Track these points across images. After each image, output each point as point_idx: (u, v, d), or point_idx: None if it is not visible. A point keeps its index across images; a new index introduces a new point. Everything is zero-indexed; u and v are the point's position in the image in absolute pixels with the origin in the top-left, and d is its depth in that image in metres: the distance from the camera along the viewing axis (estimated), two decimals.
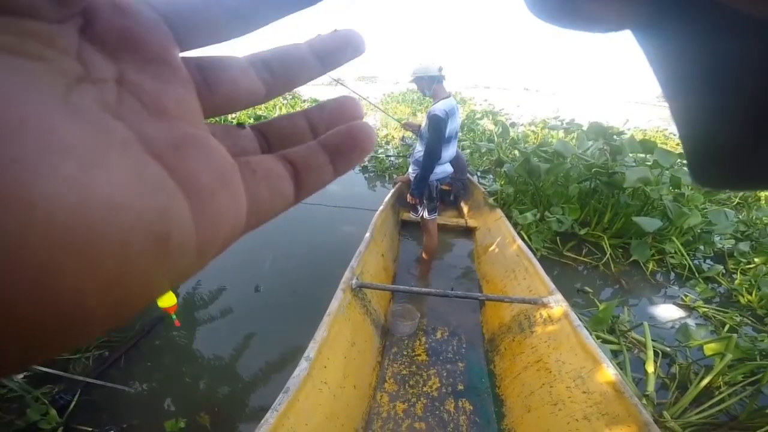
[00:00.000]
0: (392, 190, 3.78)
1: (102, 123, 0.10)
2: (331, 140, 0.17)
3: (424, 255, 2.97)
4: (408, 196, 2.73)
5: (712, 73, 0.10)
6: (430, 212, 2.69)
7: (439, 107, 2.30)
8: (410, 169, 2.73)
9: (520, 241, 2.60)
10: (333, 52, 0.18)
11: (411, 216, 3.01)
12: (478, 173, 6.12)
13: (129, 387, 2.06)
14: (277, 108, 12.62)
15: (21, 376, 1.90)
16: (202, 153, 0.13)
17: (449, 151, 2.51)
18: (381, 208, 3.26)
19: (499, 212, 3.44)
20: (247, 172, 0.15)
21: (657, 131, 11.32)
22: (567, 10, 0.10)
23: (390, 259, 2.98)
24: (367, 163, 6.82)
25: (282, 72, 0.17)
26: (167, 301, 2.56)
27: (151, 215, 0.10)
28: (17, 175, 0.07)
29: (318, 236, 4.12)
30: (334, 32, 0.18)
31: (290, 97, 17.27)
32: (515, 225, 3.39)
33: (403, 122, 2.98)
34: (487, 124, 8.79)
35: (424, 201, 2.63)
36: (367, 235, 2.64)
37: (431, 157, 2.38)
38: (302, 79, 0.18)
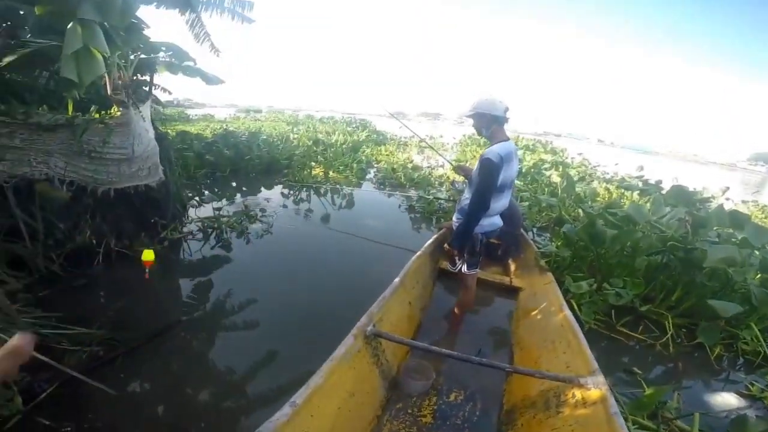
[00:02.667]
0: (434, 236, 3.82)
1: None
2: None
3: (456, 309, 2.87)
4: (445, 245, 2.72)
5: None
6: (469, 267, 2.54)
7: (495, 150, 2.18)
8: (454, 217, 2.64)
9: (567, 311, 2.48)
10: None
11: (448, 267, 2.96)
12: (534, 229, 5.92)
13: (113, 389, 2.11)
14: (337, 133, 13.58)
15: None
16: None
17: (501, 202, 2.36)
18: (419, 253, 3.33)
19: (549, 276, 3.31)
20: None
21: (754, 204, 9.92)
22: None
23: (417, 307, 2.93)
24: (414, 202, 6.95)
25: None
26: (147, 255, 2.98)
27: None
28: None
29: (348, 266, 4.36)
30: None
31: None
32: (566, 292, 3.25)
33: (455, 164, 2.97)
34: (553, 175, 8.50)
35: (465, 255, 2.48)
36: (397, 280, 2.70)
37: (478, 207, 2.24)
38: None
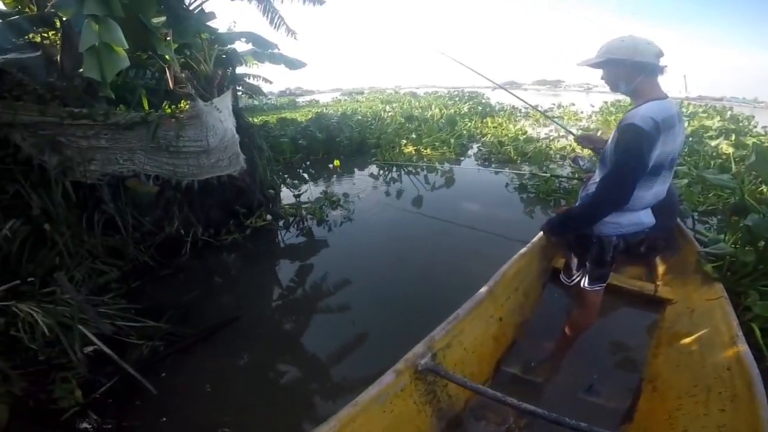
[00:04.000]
0: None
1: None
2: None
3: (567, 330, 2.20)
4: (545, 229, 1.99)
5: None
6: (592, 282, 1.89)
7: (643, 113, 1.52)
8: (578, 204, 1.98)
9: (743, 345, 1.77)
10: None
11: (563, 278, 2.18)
12: (694, 216, 4.29)
13: (154, 388, 2.16)
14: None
15: (90, 348, 2.26)
16: None
17: (654, 189, 1.68)
18: (523, 250, 2.64)
19: (718, 288, 2.31)
20: None
21: None
22: None
23: (512, 323, 2.39)
24: (526, 180, 5.88)
25: None
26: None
27: None
28: None
29: (439, 258, 3.87)
30: None
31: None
32: (743, 313, 2.41)
33: (579, 136, 2.20)
34: (723, 146, 6.27)
35: (587, 263, 1.86)
36: (483, 290, 2.13)
37: (609, 196, 1.61)
38: None
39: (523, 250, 2.66)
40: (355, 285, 3.43)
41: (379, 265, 3.79)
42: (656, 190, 1.68)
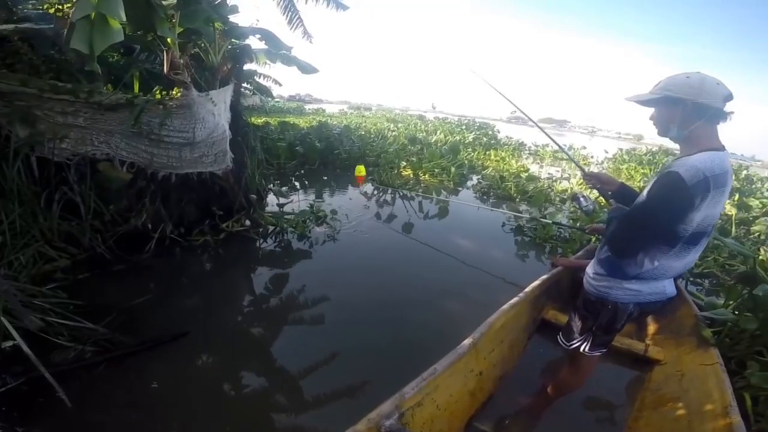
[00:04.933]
0: (544, 276, 3.03)
1: None
2: None
3: (550, 389, 2.13)
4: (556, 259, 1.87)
5: None
6: (594, 347, 1.78)
7: (695, 164, 1.35)
8: (593, 269, 1.77)
9: (736, 416, 1.74)
10: None
11: (561, 340, 2.00)
12: (690, 277, 4.26)
13: (67, 398, 1.96)
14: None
15: (10, 343, 2.03)
16: None
17: (687, 259, 1.54)
18: (514, 301, 2.56)
19: (714, 353, 2.32)
20: None
21: None
22: None
23: (491, 377, 2.28)
24: (524, 222, 5.80)
25: None
26: (360, 171, 4.24)
27: None
28: None
29: (426, 288, 3.73)
30: None
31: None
32: (735, 381, 2.37)
33: (589, 173, 1.97)
34: (726, 206, 6.27)
35: (593, 328, 1.74)
36: (466, 342, 2.04)
37: (612, 241, 1.58)
38: None
39: (514, 300, 2.57)
40: (329, 306, 3.26)
41: (358, 290, 3.60)
42: (689, 259, 1.53)
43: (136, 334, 2.54)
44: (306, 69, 5.73)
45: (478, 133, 17.11)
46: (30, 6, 3.15)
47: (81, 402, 2.01)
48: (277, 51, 5.44)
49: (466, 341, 2.04)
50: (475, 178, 9.19)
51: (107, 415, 2.03)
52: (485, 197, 7.69)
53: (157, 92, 3.39)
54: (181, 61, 3.37)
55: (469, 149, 12.22)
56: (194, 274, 3.72)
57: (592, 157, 15.18)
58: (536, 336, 2.84)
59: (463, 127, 20.44)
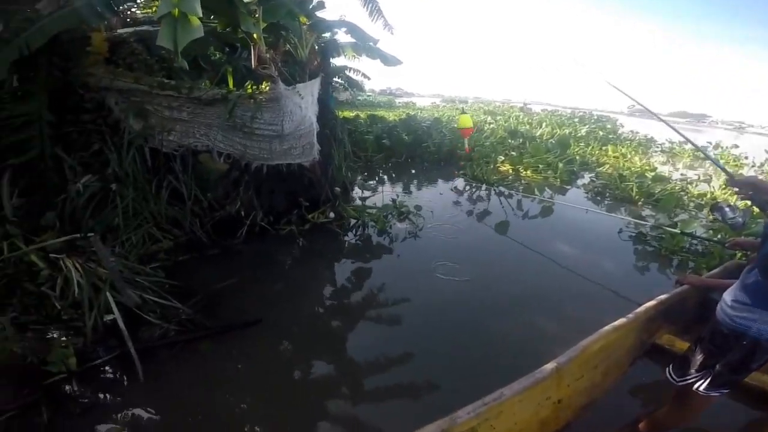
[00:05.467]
0: (665, 295, 2.51)
1: None
2: None
3: (642, 424, 1.92)
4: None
5: None
6: (712, 387, 1.56)
7: None
8: (732, 296, 1.53)
9: None
10: None
11: (670, 374, 1.74)
12: None
13: (141, 375, 2.11)
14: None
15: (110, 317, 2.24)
16: None
17: None
18: (620, 322, 2.17)
19: None
20: None
21: None
22: None
23: (573, 406, 1.96)
24: (646, 229, 4.87)
25: None
26: (465, 122, 4.42)
27: None
28: None
29: (519, 295, 3.37)
30: None
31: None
32: None
33: (738, 178, 1.59)
34: None
35: (717, 366, 1.54)
36: (548, 367, 1.75)
37: None
38: None
39: (621, 320, 2.19)
40: (407, 306, 3.12)
41: (438, 292, 3.37)
42: None
43: (214, 317, 2.70)
44: (390, 61, 5.62)
45: (593, 126, 15.19)
46: (135, 9, 3.55)
47: (153, 378, 2.17)
48: (363, 43, 5.41)
49: (549, 366, 1.78)
50: (587, 177, 8.10)
51: (172, 392, 2.15)
52: (599, 198, 6.74)
53: (249, 87, 3.57)
54: (268, 56, 3.49)
55: (581, 144, 10.86)
56: (278, 262, 3.87)
57: (746, 158, 12.19)
58: (641, 360, 2.47)
59: (576, 119, 18.37)
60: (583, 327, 2.16)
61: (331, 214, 4.71)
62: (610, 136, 13.32)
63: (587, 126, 14.95)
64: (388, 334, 2.82)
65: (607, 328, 2.10)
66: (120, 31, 3.68)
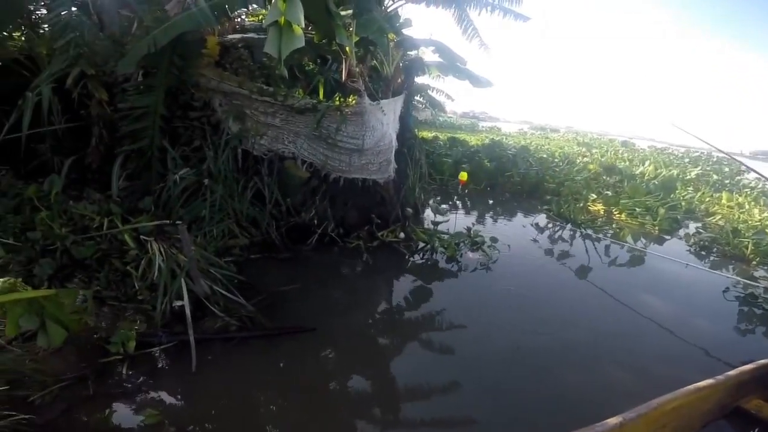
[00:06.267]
0: (765, 361, 2.53)
1: None
2: None
3: None
4: None
5: None
6: None
7: None
8: None
9: None
10: None
11: None
12: None
13: (194, 366, 2.18)
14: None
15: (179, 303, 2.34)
16: None
17: None
18: (705, 383, 2.13)
19: None
20: None
21: None
22: None
23: None
24: (759, 290, 4.19)
25: None
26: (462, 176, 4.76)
27: None
28: None
29: (586, 349, 3.00)
30: None
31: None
32: None
33: None
34: None
35: None
36: (612, 422, 1.66)
37: None
38: None
39: (706, 382, 2.14)
40: (464, 335, 2.99)
41: (501, 328, 3.15)
42: None
43: (274, 318, 2.73)
44: (480, 82, 5.47)
45: (708, 168, 13.36)
46: (244, 16, 3.85)
47: (204, 369, 2.22)
48: (450, 63, 5.35)
49: (613, 420, 1.71)
50: (692, 226, 7.07)
51: (217, 386, 2.19)
52: (703, 253, 5.81)
53: (337, 99, 3.69)
54: (357, 70, 3.58)
55: (689, 188, 9.57)
56: (342, 274, 3.88)
57: None
58: (720, 423, 2.36)
59: (687, 160, 16.37)
60: (661, 383, 2.09)
61: (401, 234, 4.63)
62: (726, 182, 11.54)
63: (699, 168, 13.15)
64: (439, 362, 2.70)
65: (688, 387, 2.06)
66: (230, 36, 4.05)
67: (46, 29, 3.32)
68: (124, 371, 2.12)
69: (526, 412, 2.21)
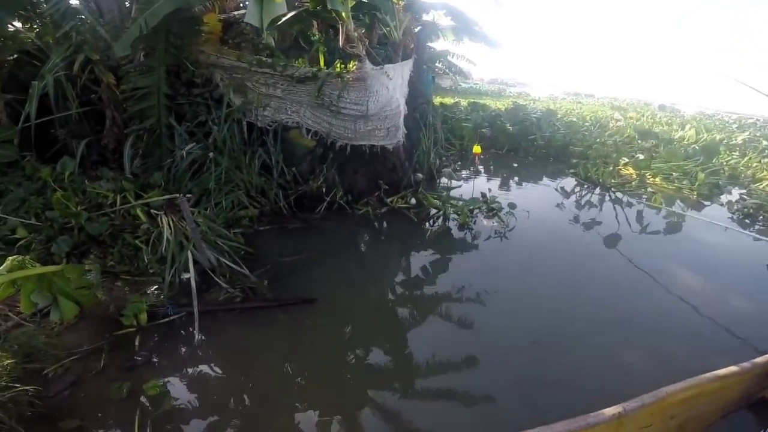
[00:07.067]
0: None
1: None
2: None
3: None
4: None
5: None
6: None
7: None
8: None
9: None
10: None
11: None
12: None
13: (197, 337, 2.29)
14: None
15: (186, 275, 2.45)
16: None
17: None
18: (727, 371, 1.97)
19: None
20: None
21: None
22: None
23: None
24: None
25: None
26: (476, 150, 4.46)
27: None
28: None
29: (607, 325, 2.90)
30: None
31: None
32: None
33: None
34: None
35: None
36: (609, 412, 1.60)
37: None
38: None
39: (729, 369, 1.97)
40: (481, 310, 2.94)
41: (519, 302, 3.10)
42: None
43: (279, 289, 2.81)
44: (494, 44, 5.29)
45: (757, 134, 12.27)
46: None
47: (208, 340, 2.34)
48: (464, 26, 5.16)
49: (610, 410, 1.61)
50: (735, 192, 6.56)
51: (221, 356, 2.29)
52: (747, 221, 5.37)
53: (337, 65, 3.64)
54: (356, 35, 3.51)
55: (735, 153, 8.86)
56: (350, 243, 3.91)
57: None
58: (742, 413, 2.23)
59: (735, 126, 15.10)
60: (678, 368, 2.01)
61: (413, 200, 4.59)
62: None
63: (747, 133, 12.06)
64: (454, 335, 2.67)
65: (707, 375, 1.89)
66: (234, 13, 4.08)
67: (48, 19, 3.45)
68: (137, 343, 2.23)
69: (537, 391, 2.21)
